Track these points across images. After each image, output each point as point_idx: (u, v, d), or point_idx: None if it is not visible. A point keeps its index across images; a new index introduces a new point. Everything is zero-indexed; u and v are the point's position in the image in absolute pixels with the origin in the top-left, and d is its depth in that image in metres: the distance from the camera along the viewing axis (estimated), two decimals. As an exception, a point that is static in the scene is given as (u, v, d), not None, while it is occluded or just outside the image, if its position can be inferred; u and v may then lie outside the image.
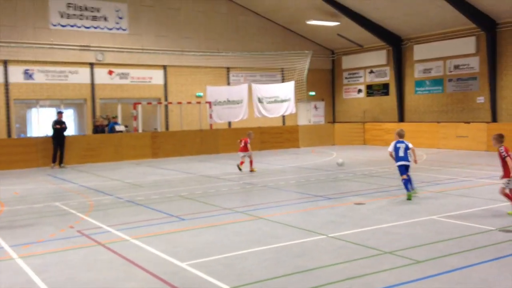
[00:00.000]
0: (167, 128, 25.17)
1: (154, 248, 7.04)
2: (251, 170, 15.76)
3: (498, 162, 16.98)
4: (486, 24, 22.55)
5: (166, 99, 25.03)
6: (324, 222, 8.46)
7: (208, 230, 8.14)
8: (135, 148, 20.88)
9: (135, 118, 21.94)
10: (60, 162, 18.63)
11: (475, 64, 23.91)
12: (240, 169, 15.71)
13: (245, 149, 15.94)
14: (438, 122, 23.99)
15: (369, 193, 11.16)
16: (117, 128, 21.81)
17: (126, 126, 22.88)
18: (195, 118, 24.68)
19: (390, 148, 10.91)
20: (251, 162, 15.99)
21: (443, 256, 6.33)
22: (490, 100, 23.14)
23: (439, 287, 5.30)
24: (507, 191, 8.67)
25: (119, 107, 23.03)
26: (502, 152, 8.68)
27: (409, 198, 10.34)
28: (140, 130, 22.07)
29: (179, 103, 24.01)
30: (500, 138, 8.83)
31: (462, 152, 20.59)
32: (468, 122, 22.76)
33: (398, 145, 10.79)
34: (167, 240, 7.50)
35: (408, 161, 10.66)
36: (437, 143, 22.79)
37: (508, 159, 8.64)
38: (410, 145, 10.77)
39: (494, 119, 22.90)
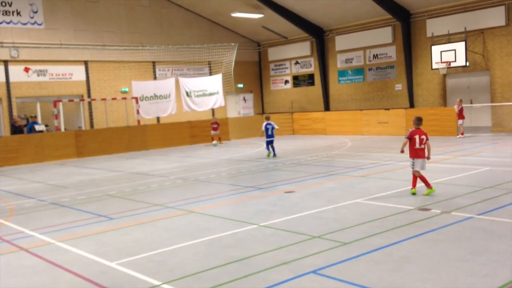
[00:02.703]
0: (92, 126, 24.27)
1: (81, 249, 6.80)
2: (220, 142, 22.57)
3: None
4: (401, 15, 23.78)
5: (89, 96, 24.11)
6: (255, 212, 8.58)
7: (138, 227, 7.98)
8: (58, 148, 19.92)
9: (56, 116, 20.93)
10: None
11: (392, 53, 25.17)
12: (214, 145, 21.95)
13: (216, 128, 22.05)
14: (361, 110, 25.02)
15: (298, 181, 11.45)
16: (37, 127, 20.71)
17: (46, 126, 21.78)
18: (122, 114, 24.00)
19: (263, 127, 16.03)
20: (219, 138, 22.60)
21: (367, 237, 6.64)
22: (407, 87, 24.48)
23: (364, 266, 5.56)
24: (416, 173, 9.16)
25: (38, 106, 21.87)
26: (407, 134, 9.24)
27: (268, 156, 15.93)
28: (62, 129, 21.09)
29: (103, 99, 23.22)
30: (416, 121, 9.34)
31: (383, 138, 21.64)
32: (388, 109, 23.96)
33: (267, 126, 15.88)
34: (95, 241, 7.26)
35: (273, 137, 16.03)
36: (360, 130, 23.77)
37: (404, 140, 9.22)
38: (276, 126, 16.22)
39: (412, 105, 24.27)
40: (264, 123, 16.23)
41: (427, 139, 9.19)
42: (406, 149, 9.32)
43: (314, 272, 5.43)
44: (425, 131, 9.30)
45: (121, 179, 13.58)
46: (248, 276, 5.43)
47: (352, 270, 5.47)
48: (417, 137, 9.11)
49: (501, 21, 21.10)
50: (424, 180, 9.13)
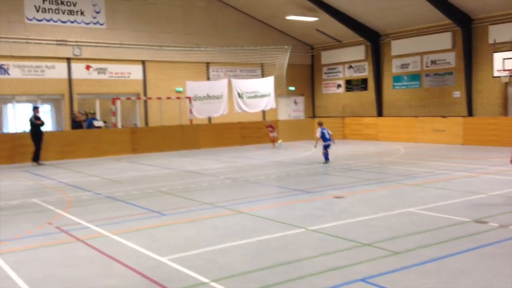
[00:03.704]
0: (146, 123, 24.99)
1: (134, 243, 7.01)
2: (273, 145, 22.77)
3: (474, 155, 17.52)
4: (462, 20, 22.94)
5: (145, 95, 24.83)
6: (303, 215, 8.54)
7: (189, 224, 8.13)
8: (115, 144, 20.67)
9: (114, 113, 21.72)
10: (38, 158, 18.09)
11: (451, 59, 24.32)
12: (279, 144, 22.72)
13: (273, 131, 22.61)
14: (416, 117, 24.34)
15: (348, 187, 11.29)
16: (96, 123, 21.58)
17: (105, 122, 22.64)
18: (175, 113, 24.54)
19: (318, 133, 15.79)
20: (276, 139, 22.89)
21: (420, 247, 6.46)
22: (466, 94, 23.58)
23: (416, 278, 5.41)
24: None
25: (98, 103, 22.75)
26: None
27: (326, 163, 15.61)
28: (119, 126, 21.86)
29: (159, 98, 23.85)
30: None
31: (439, 146, 20.96)
32: (445, 116, 23.16)
33: (323, 131, 15.75)
34: (147, 235, 7.47)
35: (330, 141, 15.80)
36: (414, 137, 23.14)
37: None
38: (330, 131, 15.96)
39: (470, 113, 23.35)
40: (319, 129, 15.86)
41: None
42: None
43: (363, 280, 5.33)
44: None
45: (173, 177, 13.90)
46: (296, 279, 5.41)
47: (403, 280, 5.33)
48: None
49: None
50: None
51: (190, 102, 23.49)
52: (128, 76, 24.63)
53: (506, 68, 20.59)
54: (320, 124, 16.21)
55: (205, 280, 5.47)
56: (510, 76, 20.72)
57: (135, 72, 24.83)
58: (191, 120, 23.64)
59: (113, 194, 11.23)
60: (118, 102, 21.87)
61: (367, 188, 11.06)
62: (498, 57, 21.02)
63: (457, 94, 24.25)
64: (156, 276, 5.62)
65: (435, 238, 6.89)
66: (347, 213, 8.64)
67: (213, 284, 5.36)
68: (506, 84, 22.16)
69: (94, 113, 22.86)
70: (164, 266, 6.03)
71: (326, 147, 15.74)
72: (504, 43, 21.51)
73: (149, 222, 8.35)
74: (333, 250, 6.45)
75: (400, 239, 6.88)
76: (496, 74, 21.13)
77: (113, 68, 24.07)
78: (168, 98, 24.26)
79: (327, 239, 6.99)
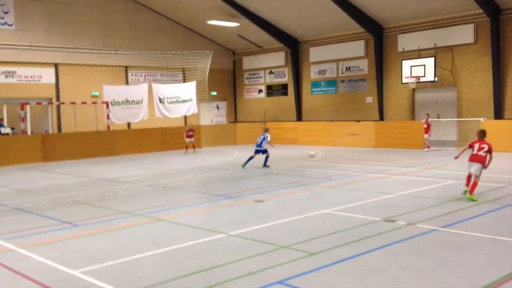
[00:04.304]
0: (59, 130, 23.75)
1: (44, 257, 6.60)
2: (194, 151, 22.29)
3: (385, 157, 18.45)
4: (374, 29, 24.23)
5: (58, 99, 23.61)
6: (224, 221, 8.53)
7: (104, 235, 7.81)
8: (24, 151, 19.37)
9: (23, 119, 20.41)
10: None
11: (364, 66, 25.59)
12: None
13: (191, 136, 21.91)
14: (332, 121, 25.30)
15: (269, 190, 11.46)
16: (2, 130, 20.16)
17: (12, 129, 21.21)
18: (91, 119, 23.55)
19: (259, 140, 16.26)
20: (194, 146, 22.37)
21: (335, 247, 6.68)
22: (377, 100, 24.89)
23: (331, 277, 5.59)
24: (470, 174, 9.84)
25: (5, 108, 21.28)
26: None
27: (243, 167, 15.73)
28: (29, 133, 20.57)
29: (73, 103, 22.75)
30: (480, 133, 10.04)
31: (354, 149, 21.93)
32: (359, 121, 24.29)
33: (261, 137, 16.24)
34: (58, 248, 7.07)
35: (260, 147, 16.04)
36: (331, 140, 24.01)
37: (465, 146, 10.16)
38: (268, 139, 16.19)
39: (381, 117, 24.68)
40: (261, 136, 16.27)
41: (488, 150, 9.75)
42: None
43: (280, 282, 5.41)
44: (489, 143, 9.86)
45: (88, 185, 13.31)
46: (214, 286, 5.38)
47: (319, 280, 5.48)
48: (476, 145, 9.85)
49: (470, 39, 21.72)
50: (467, 181, 9.93)
51: (108, 107, 22.68)
52: (39, 80, 23.30)
53: (414, 75, 22.01)
54: (264, 130, 16.60)
55: (120, 292, 5.27)
56: (417, 82, 22.18)
57: (47, 75, 23.54)
58: (108, 126, 22.81)
59: (21, 205, 10.52)
60: (28, 108, 20.58)
61: (286, 192, 11.29)
62: (406, 64, 22.42)
63: (369, 99, 25.54)
64: (67, 291, 5.34)
65: (349, 237, 7.17)
66: (267, 216, 8.75)
67: (128, 295, 5.18)
68: (414, 90, 23.69)
69: (1, 119, 21.34)
70: (75, 279, 5.73)
71: (256, 152, 16.07)
72: (411, 51, 22.99)
73: (61, 234, 7.91)
74: (252, 254, 6.49)
75: (316, 240, 7.08)
76: (404, 80, 22.52)
77: (22, 71, 22.66)
78: (83, 103, 23.24)
79: (247, 244, 7.03)
